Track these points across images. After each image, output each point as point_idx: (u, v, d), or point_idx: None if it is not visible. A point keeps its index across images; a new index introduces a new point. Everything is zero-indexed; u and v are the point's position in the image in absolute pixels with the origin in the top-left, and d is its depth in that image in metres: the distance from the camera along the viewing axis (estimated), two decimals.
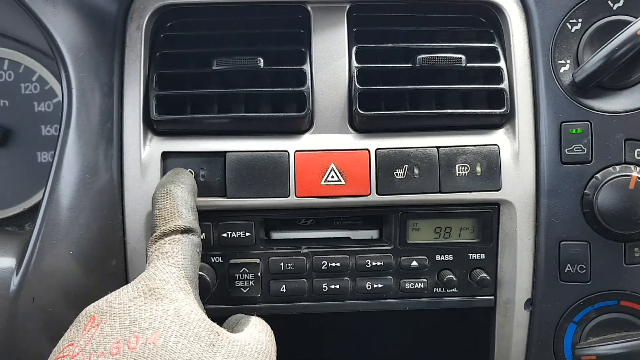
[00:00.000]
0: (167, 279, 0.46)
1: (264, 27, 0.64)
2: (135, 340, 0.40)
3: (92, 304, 0.45)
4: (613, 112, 0.60)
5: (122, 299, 0.44)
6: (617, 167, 0.59)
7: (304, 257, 0.63)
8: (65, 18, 0.59)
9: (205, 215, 0.60)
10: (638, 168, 0.59)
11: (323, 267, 0.63)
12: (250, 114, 0.61)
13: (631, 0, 0.60)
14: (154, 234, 0.51)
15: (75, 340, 0.42)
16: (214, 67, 0.60)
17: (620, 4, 0.60)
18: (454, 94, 0.64)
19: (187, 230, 0.51)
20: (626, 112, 0.59)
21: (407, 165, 0.61)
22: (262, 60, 0.60)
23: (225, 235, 0.62)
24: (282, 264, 0.63)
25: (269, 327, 0.50)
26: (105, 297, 0.45)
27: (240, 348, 0.43)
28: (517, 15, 0.64)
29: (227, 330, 0.49)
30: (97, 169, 0.58)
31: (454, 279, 0.63)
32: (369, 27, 0.64)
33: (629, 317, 0.61)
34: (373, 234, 0.66)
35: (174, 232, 0.50)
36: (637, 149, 0.59)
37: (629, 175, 0.57)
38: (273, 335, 0.50)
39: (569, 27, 0.62)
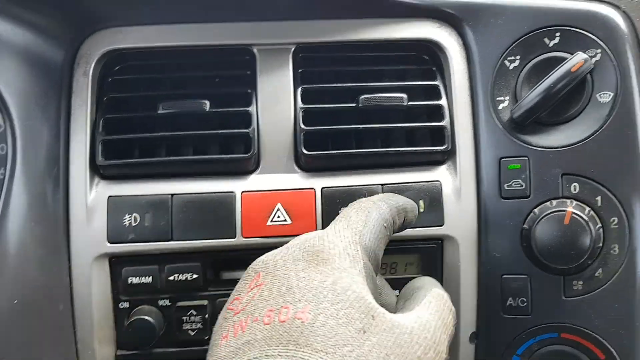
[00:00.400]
0: (337, 242, 0.44)
1: (211, 69, 0.65)
2: (286, 311, 0.38)
3: (261, 258, 0.45)
4: (550, 148, 0.61)
5: (287, 260, 0.43)
6: (554, 202, 0.60)
7: None
8: (9, 67, 0.59)
9: (151, 259, 0.61)
10: (574, 202, 0.60)
11: None
12: (195, 157, 0.62)
13: (566, 37, 0.61)
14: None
15: (242, 295, 0.43)
16: (159, 111, 0.61)
17: (556, 40, 0.62)
18: (398, 131, 0.65)
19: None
20: (563, 147, 0.61)
21: None
22: (207, 103, 0.62)
23: (172, 278, 0.62)
24: None
25: (448, 306, 0.46)
26: (274, 252, 0.45)
27: (397, 337, 0.38)
28: (458, 53, 0.65)
29: (402, 301, 0.48)
30: (43, 215, 0.59)
31: None
32: (314, 67, 0.65)
33: (569, 349, 0.62)
34: None
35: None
36: (574, 184, 0.60)
37: (565, 210, 0.59)
38: (452, 318, 0.45)
39: (507, 64, 0.63)
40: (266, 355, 0.36)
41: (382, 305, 0.42)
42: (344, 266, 0.42)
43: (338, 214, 0.60)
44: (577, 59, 0.59)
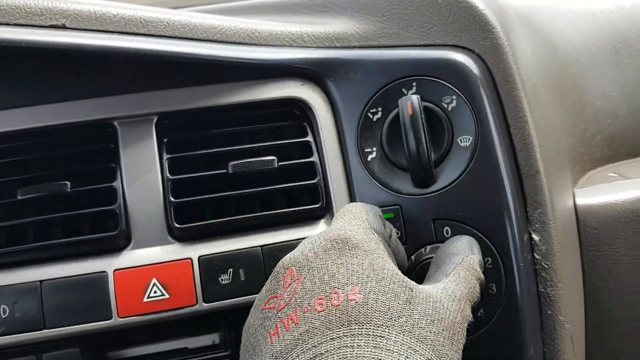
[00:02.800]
0: (356, 229, 0.48)
1: (73, 147, 0.63)
2: (337, 296, 0.41)
3: (287, 256, 0.48)
4: (420, 195, 0.62)
5: (317, 252, 0.46)
6: (428, 248, 0.61)
7: None
8: None
9: (28, 350, 0.58)
10: None
11: None
12: (60, 240, 0.60)
13: (422, 86, 0.63)
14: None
15: (279, 293, 0.45)
16: (18, 197, 0.59)
17: (414, 90, 0.63)
18: (278, 192, 0.65)
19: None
20: (431, 193, 0.62)
21: (232, 269, 0.61)
22: (68, 184, 0.60)
23: None
24: None
25: (476, 275, 0.50)
26: (299, 248, 0.48)
27: (434, 305, 0.43)
28: (324, 108, 0.66)
29: (434, 267, 0.53)
30: None
31: None
32: (180, 135, 0.64)
33: None
34: (214, 337, 0.65)
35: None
36: (446, 227, 0.61)
37: None
38: (478, 286, 0.50)
39: (371, 116, 0.64)
40: (331, 338, 0.39)
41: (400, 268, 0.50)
42: (372, 248, 0.46)
43: (219, 282, 0.59)
44: (404, 103, 0.60)
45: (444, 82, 0.62)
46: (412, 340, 0.40)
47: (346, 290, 0.42)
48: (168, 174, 0.62)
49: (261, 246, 0.62)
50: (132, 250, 0.61)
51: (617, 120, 0.93)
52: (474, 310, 0.49)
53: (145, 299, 0.60)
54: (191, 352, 0.63)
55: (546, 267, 0.61)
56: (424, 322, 0.42)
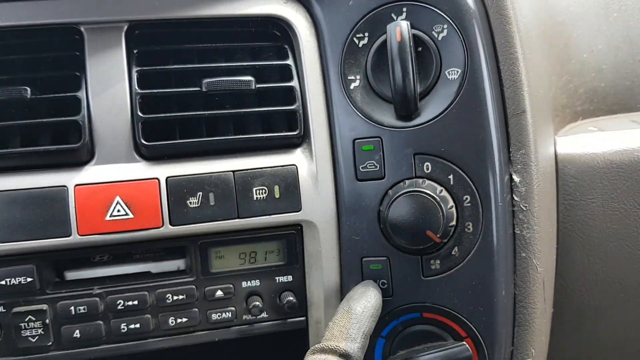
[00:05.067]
0: None
1: (35, 51, 0.58)
2: None
3: None
4: (402, 127, 0.60)
5: None
6: (407, 182, 0.59)
7: (97, 298, 0.59)
8: None
9: None
10: (426, 182, 0.59)
11: (119, 307, 0.59)
12: (17, 149, 0.56)
13: (413, 12, 0.59)
14: (317, 345, 0.52)
15: None
16: None
17: (403, 16, 0.60)
18: (253, 115, 0.61)
19: (344, 356, 0.51)
20: (414, 126, 0.59)
21: (201, 193, 0.58)
22: (28, 90, 0.55)
23: (3, 283, 0.56)
24: (72, 307, 0.58)
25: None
26: None
27: None
28: (307, 30, 0.62)
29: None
30: None
31: (260, 305, 0.61)
32: (151, 47, 0.60)
33: (431, 328, 0.62)
34: (179, 264, 0.63)
35: (332, 351, 0.51)
36: (427, 163, 0.59)
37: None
38: None
39: (356, 41, 0.61)
40: None
41: None
42: None
43: (187, 205, 0.56)
44: (392, 29, 0.57)
45: (436, 10, 0.59)
46: None
47: None
48: (137, 88, 0.58)
49: (233, 171, 0.59)
50: (96, 165, 0.58)
51: (601, 75, 0.91)
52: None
53: (107, 217, 0.56)
54: (154, 277, 0.61)
55: (524, 209, 0.60)
56: None
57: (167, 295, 0.60)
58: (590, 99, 0.91)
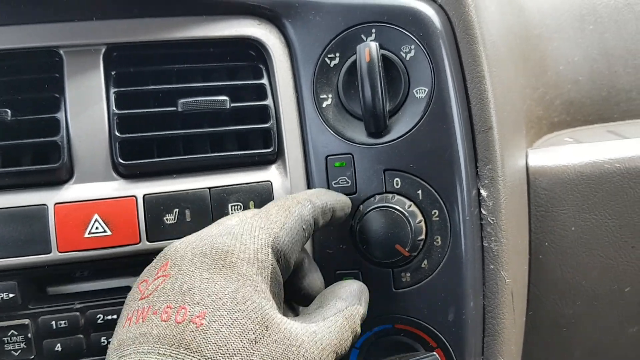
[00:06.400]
0: (249, 244, 0.44)
1: (13, 73, 0.60)
2: (183, 312, 0.39)
3: (175, 244, 0.46)
4: (372, 144, 0.62)
5: (195, 254, 0.43)
6: (377, 197, 0.61)
7: (78, 313, 0.60)
8: None
9: None
10: (396, 197, 0.60)
11: (99, 321, 0.61)
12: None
13: (382, 33, 0.61)
14: None
15: (149, 280, 0.44)
16: None
17: (372, 37, 0.61)
18: (229, 133, 0.63)
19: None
20: (384, 143, 0.61)
21: (177, 209, 0.60)
22: (9, 112, 0.57)
23: None
24: (53, 322, 0.60)
25: (353, 328, 0.48)
26: (189, 238, 0.46)
27: (286, 349, 0.40)
28: (280, 50, 0.64)
29: (317, 304, 0.50)
30: None
31: None
32: (129, 68, 0.62)
33: (403, 339, 0.64)
34: None
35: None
36: (396, 179, 0.61)
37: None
38: (351, 339, 0.47)
39: (328, 61, 0.63)
40: (158, 353, 0.38)
41: (302, 294, 0.52)
42: (249, 273, 0.43)
43: (164, 221, 0.58)
44: (362, 50, 0.59)
45: (403, 31, 0.61)
46: None
47: (194, 310, 0.39)
48: (114, 109, 0.60)
49: (209, 188, 0.61)
50: (75, 184, 0.60)
51: (577, 86, 0.93)
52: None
53: (86, 235, 0.58)
54: None
55: (492, 222, 0.62)
56: None
57: None
58: (567, 110, 0.93)
